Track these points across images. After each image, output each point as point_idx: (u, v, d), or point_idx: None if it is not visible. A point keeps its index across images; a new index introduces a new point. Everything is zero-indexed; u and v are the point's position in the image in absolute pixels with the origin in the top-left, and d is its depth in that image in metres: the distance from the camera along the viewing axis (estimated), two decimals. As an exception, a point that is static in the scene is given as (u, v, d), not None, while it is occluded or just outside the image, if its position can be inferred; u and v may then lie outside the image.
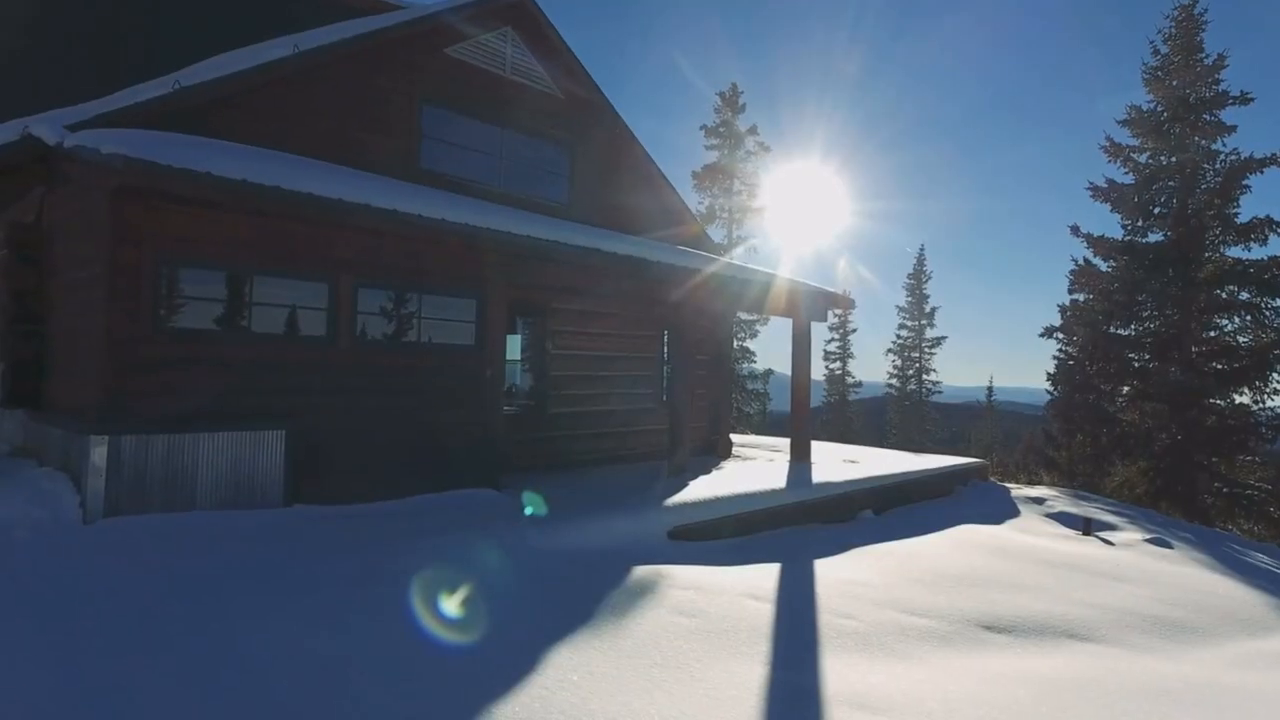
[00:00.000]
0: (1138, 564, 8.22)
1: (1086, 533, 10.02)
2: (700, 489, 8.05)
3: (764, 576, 5.88)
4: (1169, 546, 9.48)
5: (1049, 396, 28.93)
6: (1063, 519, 10.88)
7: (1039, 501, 11.70)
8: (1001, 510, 10.92)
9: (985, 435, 37.77)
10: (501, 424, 7.76)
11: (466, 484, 7.42)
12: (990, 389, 39.64)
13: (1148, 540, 9.69)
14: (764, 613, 4.91)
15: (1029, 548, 8.29)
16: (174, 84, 6.92)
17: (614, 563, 5.74)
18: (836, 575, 6.17)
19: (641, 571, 5.57)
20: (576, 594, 4.87)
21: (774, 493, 8.30)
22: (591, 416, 10.74)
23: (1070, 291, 29.11)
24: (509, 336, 11.22)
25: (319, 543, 5.46)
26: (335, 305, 6.44)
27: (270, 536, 5.50)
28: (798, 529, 8.35)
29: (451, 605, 4.30)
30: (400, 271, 6.88)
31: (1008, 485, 13.21)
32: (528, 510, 6.86)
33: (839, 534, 8.25)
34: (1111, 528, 10.59)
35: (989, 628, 5.44)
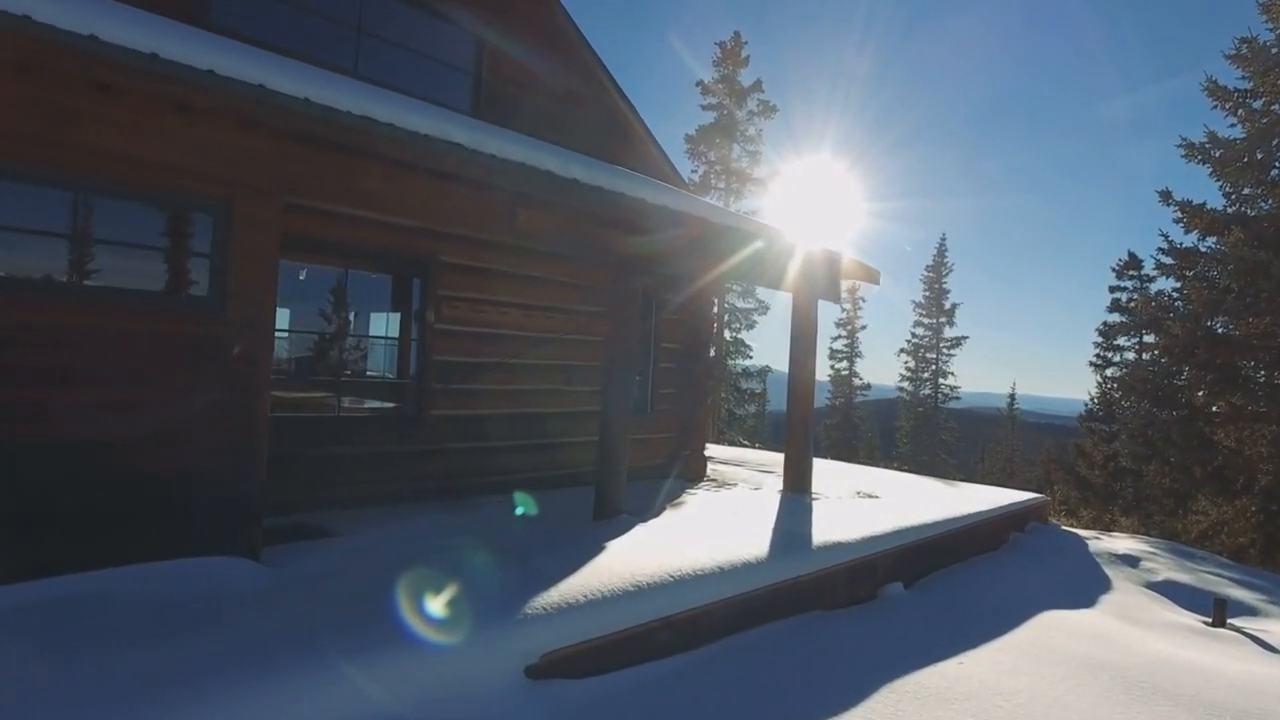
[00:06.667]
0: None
1: (1219, 623, 6.70)
2: (626, 554, 4.79)
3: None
4: (1361, 656, 6.16)
5: (1083, 407, 25.33)
6: (1172, 593, 7.56)
7: (1131, 562, 8.37)
8: (1085, 578, 7.60)
9: (1005, 447, 34.26)
10: (267, 441, 4.43)
11: (197, 548, 4.17)
12: (1013, 395, 36.12)
13: (1321, 642, 6.37)
14: None
15: (1168, 668, 4.99)
16: None
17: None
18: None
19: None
20: None
21: (747, 567, 5.00)
22: (499, 423, 7.45)
23: (1111, 291, 25.18)
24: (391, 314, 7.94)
25: None
26: None
27: None
28: (784, 625, 5.09)
29: None
30: (18, 144, 3.54)
31: (1077, 531, 9.86)
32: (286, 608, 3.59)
33: (851, 639, 4.96)
34: (1250, 611, 7.28)
35: None
